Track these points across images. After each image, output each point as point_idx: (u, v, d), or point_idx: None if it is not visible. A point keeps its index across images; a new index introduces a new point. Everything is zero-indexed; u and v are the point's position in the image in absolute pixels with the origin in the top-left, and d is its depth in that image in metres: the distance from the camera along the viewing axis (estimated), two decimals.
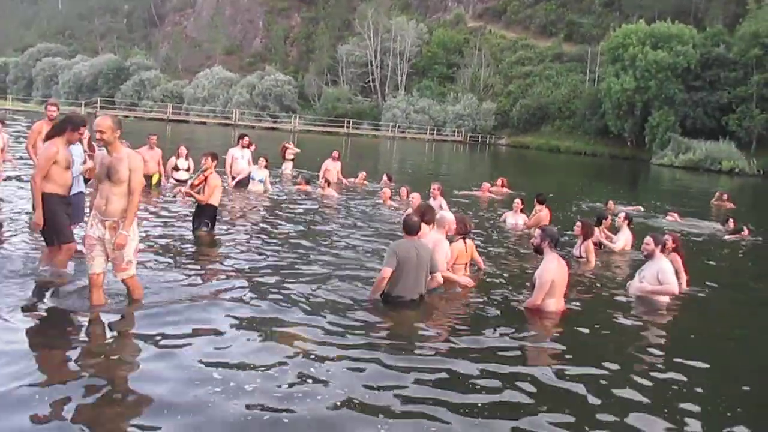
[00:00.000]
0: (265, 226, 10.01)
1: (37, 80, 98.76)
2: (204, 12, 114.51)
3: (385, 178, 16.56)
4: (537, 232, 6.75)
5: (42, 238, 6.37)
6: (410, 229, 6.27)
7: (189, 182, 11.33)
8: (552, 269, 6.29)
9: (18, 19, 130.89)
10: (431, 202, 11.83)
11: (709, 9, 64.07)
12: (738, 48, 51.36)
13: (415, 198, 10.91)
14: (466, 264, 7.29)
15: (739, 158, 46.64)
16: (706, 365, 5.18)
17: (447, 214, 7.05)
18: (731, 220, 14.09)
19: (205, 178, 8.44)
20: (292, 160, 18.08)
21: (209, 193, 8.43)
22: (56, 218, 5.81)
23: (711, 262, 10.53)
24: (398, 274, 6.06)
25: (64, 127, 5.86)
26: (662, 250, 7.27)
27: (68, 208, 6.08)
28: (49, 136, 5.96)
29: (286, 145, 18.84)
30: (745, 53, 50.23)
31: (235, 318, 5.39)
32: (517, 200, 12.51)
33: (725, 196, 20.46)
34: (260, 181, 14.01)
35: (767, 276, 9.97)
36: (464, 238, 7.24)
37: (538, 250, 6.54)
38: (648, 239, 7.30)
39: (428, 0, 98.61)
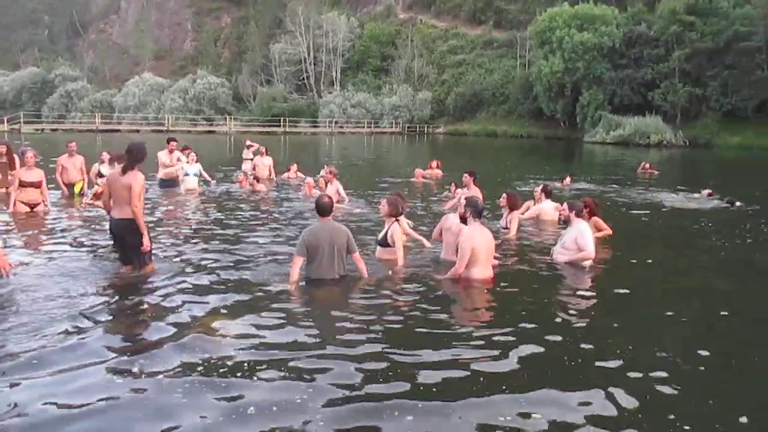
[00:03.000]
0: (186, 225, 9.78)
1: None
2: (129, 18, 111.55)
3: (329, 167, 16.31)
4: (461, 202, 6.91)
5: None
6: (322, 210, 6.29)
7: (92, 190, 10.99)
8: (473, 237, 6.41)
9: None
10: (329, 187, 11.92)
11: None
12: (658, 26, 53.21)
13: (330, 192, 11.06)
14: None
15: (665, 131, 48.51)
16: (618, 324, 5.39)
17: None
18: (707, 190, 14.72)
19: None
20: (251, 159, 17.72)
21: None
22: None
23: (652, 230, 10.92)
24: (312, 258, 6.16)
25: (135, 156, 6.34)
26: (578, 215, 7.47)
27: None
28: (128, 168, 6.28)
29: (248, 142, 18.65)
30: (665, 30, 52.08)
31: (154, 312, 5.28)
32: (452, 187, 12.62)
33: (647, 165, 22.21)
34: (195, 175, 13.71)
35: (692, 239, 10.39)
36: (397, 220, 7.30)
37: (464, 220, 6.69)
38: (564, 206, 7.52)
39: None
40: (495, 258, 6.93)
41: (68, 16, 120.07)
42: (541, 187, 10.95)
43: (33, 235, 8.58)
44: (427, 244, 7.82)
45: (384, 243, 7.26)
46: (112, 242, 7.90)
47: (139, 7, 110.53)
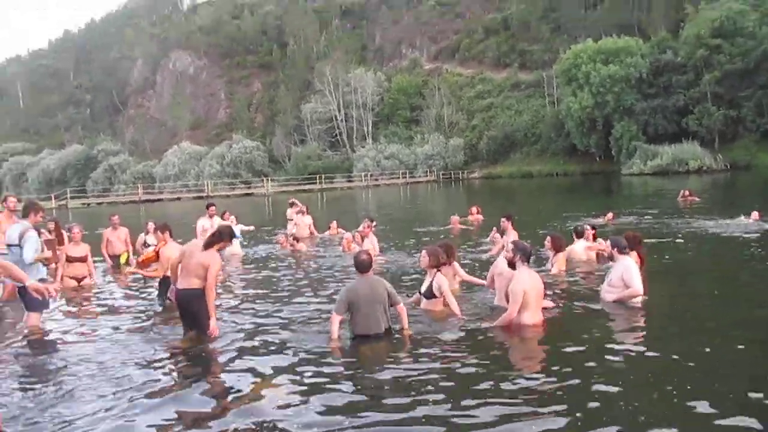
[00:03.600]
0: (231, 290, 9.92)
1: (5, 180, 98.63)
2: (165, 92, 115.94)
3: (366, 222, 16.25)
4: (509, 246, 6.82)
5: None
6: (360, 266, 6.32)
7: (136, 258, 11.22)
8: (523, 281, 6.34)
9: None
10: (365, 242, 11.95)
11: (651, 19, 66.33)
12: (684, 51, 53.03)
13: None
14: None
15: (704, 156, 47.72)
16: (675, 371, 5.20)
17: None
18: (756, 212, 14.35)
19: (156, 253, 8.34)
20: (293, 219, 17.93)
21: (162, 266, 8.26)
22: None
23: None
24: (354, 314, 6.16)
25: (222, 238, 6.64)
26: (621, 252, 7.30)
27: None
28: (208, 246, 6.54)
29: (292, 201, 18.98)
30: (692, 55, 51.83)
31: (205, 378, 5.33)
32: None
33: (687, 192, 22.13)
34: (236, 238, 13.86)
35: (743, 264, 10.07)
36: (439, 270, 7.21)
37: (512, 265, 6.62)
38: (607, 243, 7.38)
39: (383, 49, 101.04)
40: (552, 302, 6.87)
41: (108, 95, 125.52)
42: (574, 227, 10.89)
43: (82, 308, 8.79)
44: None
45: (429, 294, 7.16)
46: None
47: (174, 81, 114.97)
